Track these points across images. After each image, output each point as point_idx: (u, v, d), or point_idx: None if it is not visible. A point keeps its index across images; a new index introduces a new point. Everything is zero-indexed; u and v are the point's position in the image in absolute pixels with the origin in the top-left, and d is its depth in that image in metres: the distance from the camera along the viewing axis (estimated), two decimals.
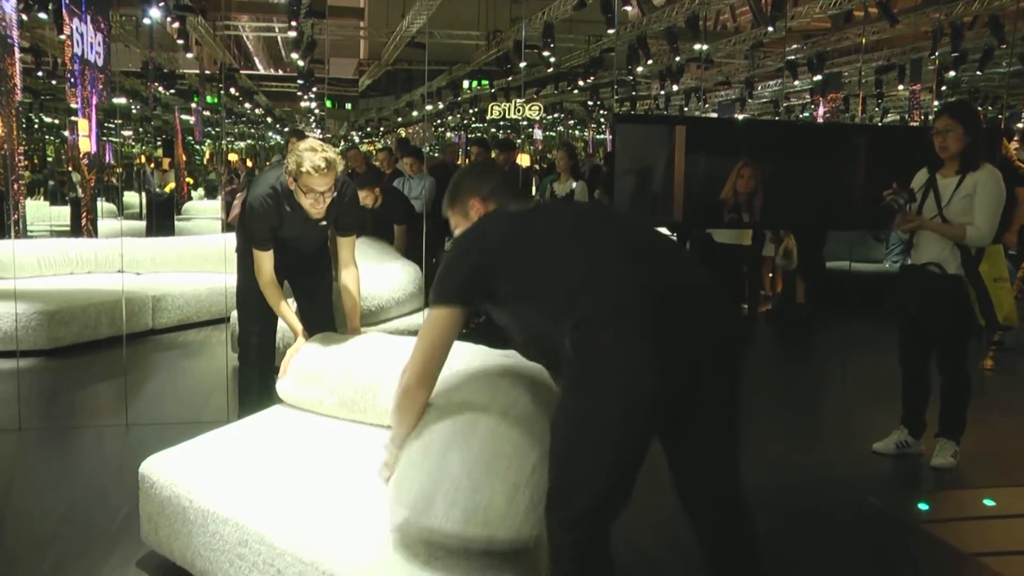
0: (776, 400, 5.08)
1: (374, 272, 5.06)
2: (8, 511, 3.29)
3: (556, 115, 23.62)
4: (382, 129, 26.23)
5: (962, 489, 3.73)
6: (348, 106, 20.14)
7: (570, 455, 1.88)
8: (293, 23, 11.73)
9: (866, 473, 3.86)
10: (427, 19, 12.24)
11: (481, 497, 1.94)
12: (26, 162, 8.85)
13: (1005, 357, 6.06)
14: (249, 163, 17.84)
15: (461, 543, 1.97)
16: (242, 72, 18.87)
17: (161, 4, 10.44)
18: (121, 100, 12.50)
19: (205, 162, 23.03)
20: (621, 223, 2.17)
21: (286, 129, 21.80)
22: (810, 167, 5.15)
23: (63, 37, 8.34)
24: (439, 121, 24.02)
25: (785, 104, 19.26)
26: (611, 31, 12.51)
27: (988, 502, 3.52)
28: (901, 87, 15.76)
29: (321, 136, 19.88)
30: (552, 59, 13.96)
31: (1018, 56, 12.75)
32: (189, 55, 14.39)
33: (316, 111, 19.54)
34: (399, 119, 24.23)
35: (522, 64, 13.43)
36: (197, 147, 21.39)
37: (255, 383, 3.77)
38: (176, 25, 11.43)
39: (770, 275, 7.86)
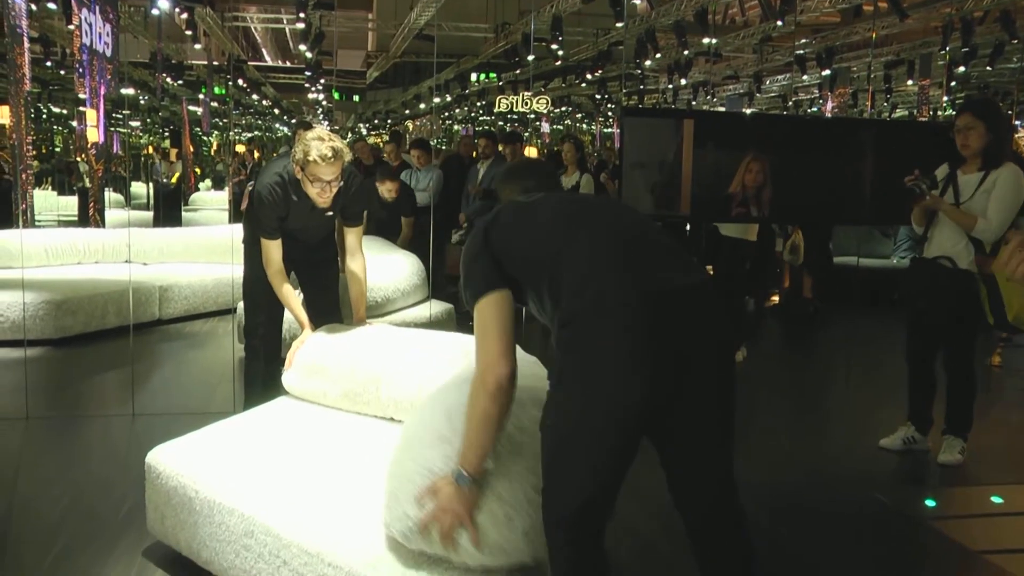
0: (782, 395, 5.07)
1: (379, 263, 5.06)
2: (15, 500, 3.30)
3: (564, 108, 23.57)
4: (389, 121, 26.22)
5: (969, 486, 3.71)
6: (356, 98, 20.16)
7: (558, 456, 1.87)
8: (301, 15, 11.74)
9: (872, 469, 3.84)
10: (435, 11, 12.22)
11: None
12: (34, 152, 8.86)
13: (1013, 354, 6.04)
14: (256, 154, 17.86)
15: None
16: (250, 63, 18.88)
17: None
18: (129, 91, 12.52)
19: (212, 153, 23.07)
20: (614, 214, 2.13)
21: (293, 121, 21.80)
22: (818, 162, 5.13)
23: (72, 27, 8.36)
24: (447, 114, 23.99)
25: (793, 99, 19.18)
26: (619, 24, 12.47)
27: (996, 499, 3.50)
28: (910, 82, 15.66)
29: (328, 128, 19.87)
30: (560, 52, 13.93)
31: None
32: (197, 46, 14.42)
33: (324, 103, 19.53)
34: (407, 111, 24.22)
35: (530, 57, 13.41)
36: (205, 138, 21.42)
37: (260, 374, 3.77)
38: (184, 16, 11.46)
39: (776, 271, 7.84)
